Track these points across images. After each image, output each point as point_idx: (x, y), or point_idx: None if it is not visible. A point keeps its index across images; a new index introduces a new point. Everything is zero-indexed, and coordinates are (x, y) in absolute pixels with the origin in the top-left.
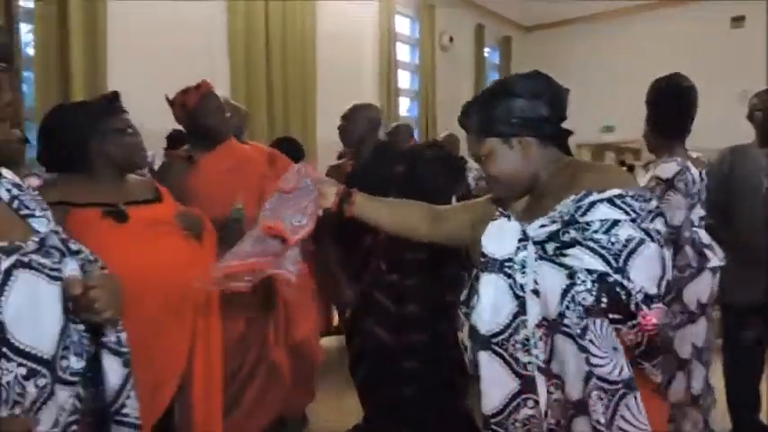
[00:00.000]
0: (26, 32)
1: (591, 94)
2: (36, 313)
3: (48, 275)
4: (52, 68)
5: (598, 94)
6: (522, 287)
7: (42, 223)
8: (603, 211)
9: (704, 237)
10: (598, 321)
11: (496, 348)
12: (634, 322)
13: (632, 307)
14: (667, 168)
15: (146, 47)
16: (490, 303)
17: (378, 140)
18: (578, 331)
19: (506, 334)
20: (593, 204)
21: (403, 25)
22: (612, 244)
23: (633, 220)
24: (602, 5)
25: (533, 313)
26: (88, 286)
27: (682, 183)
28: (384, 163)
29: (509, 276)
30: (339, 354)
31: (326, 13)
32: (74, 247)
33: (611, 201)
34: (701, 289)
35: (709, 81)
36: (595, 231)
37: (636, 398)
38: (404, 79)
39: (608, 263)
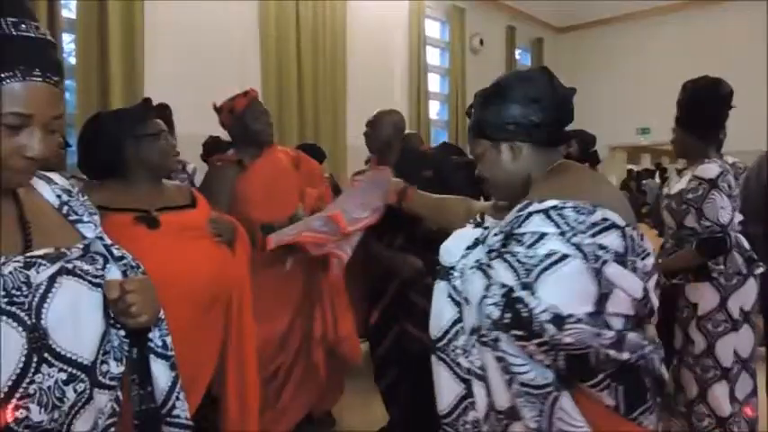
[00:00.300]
0: (68, 42)
1: (626, 96)
2: (77, 320)
3: (90, 282)
4: (92, 76)
5: (633, 96)
6: (460, 294)
7: (89, 229)
8: (536, 223)
9: (745, 243)
10: (504, 337)
11: (440, 354)
12: (539, 341)
13: (535, 325)
14: (710, 169)
15: (180, 50)
16: (436, 309)
17: (404, 146)
18: (491, 341)
19: (446, 339)
20: (530, 215)
21: (433, 28)
22: (530, 258)
23: (562, 234)
24: (636, 5)
25: (467, 320)
26: (125, 290)
27: (725, 183)
28: (412, 168)
29: (449, 283)
30: (365, 359)
31: (357, 16)
32: (117, 253)
33: (546, 212)
34: (746, 296)
35: (743, 82)
36: (521, 243)
37: (567, 398)
38: (434, 82)
39: (518, 277)
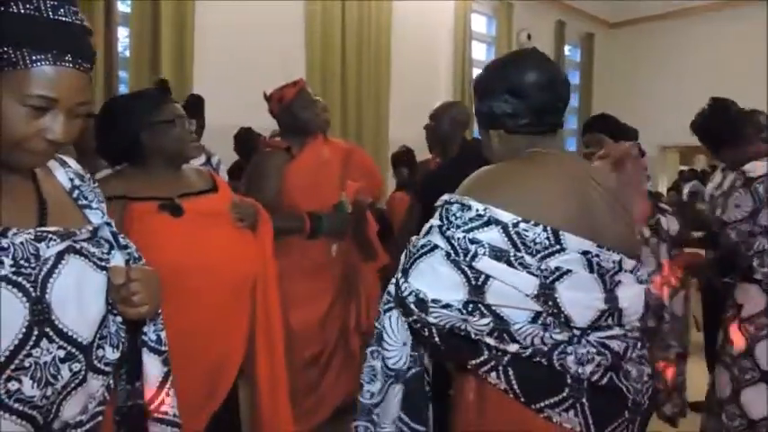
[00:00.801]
0: (124, 37)
1: (680, 94)
2: (81, 298)
3: (95, 264)
4: (144, 68)
5: (688, 94)
6: None
7: (97, 215)
8: (435, 215)
9: None
10: (394, 312)
11: None
12: (412, 318)
13: (405, 306)
14: (760, 166)
15: (228, 49)
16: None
17: (464, 140)
18: (382, 312)
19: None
20: (436, 208)
21: (479, 23)
22: (414, 246)
23: (440, 227)
24: (692, 2)
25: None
26: (130, 277)
27: (762, 186)
28: (471, 162)
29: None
30: None
31: (402, 12)
32: (122, 241)
33: (441, 206)
34: None
35: None
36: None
37: (399, 390)
38: None
39: (402, 263)
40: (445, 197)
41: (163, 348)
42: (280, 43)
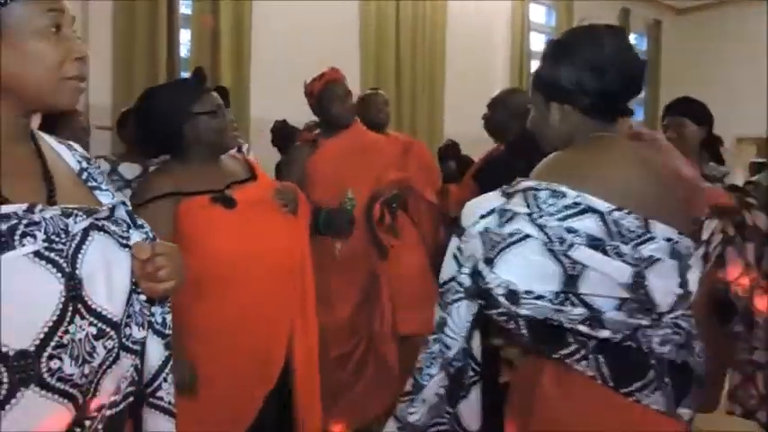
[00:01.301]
0: (186, 40)
1: (755, 83)
2: (109, 275)
3: (118, 242)
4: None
5: (764, 83)
6: (461, 255)
7: (107, 196)
8: (515, 202)
9: None
10: (463, 304)
11: (440, 298)
12: (499, 311)
13: (491, 298)
14: None
15: (283, 49)
16: (446, 260)
17: (524, 128)
18: (448, 302)
19: (444, 288)
20: (515, 193)
21: (538, 13)
22: (497, 235)
23: (530, 215)
24: None
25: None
26: (156, 252)
27: None
28: (528, 149)
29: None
30: None
31: (458, 7)
32: (138, 221)
33: (523, 192)
34: None
35: None
36: (501, 219)
37: (442, 378)
38: None
39: (484, 252)
40: (531, 183)
41: (166, 332)
42: (335, 42)
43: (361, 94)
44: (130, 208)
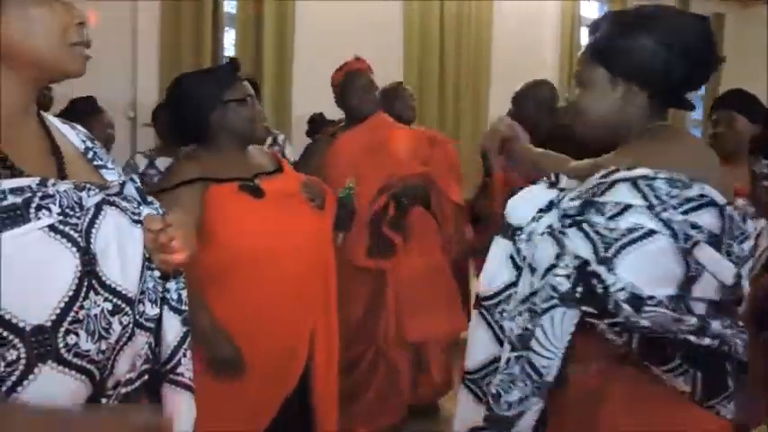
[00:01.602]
0: (230, 39)
1: None
2: (123, 250)
3: (130, 217)
4: (248, 67)
5: None
6: (523, 260)
7: (114, 174)
8: (621, 193)
9: None
10: (559, 312)
11: (484, 312)
12: (612, 321)
13: (610, 304)
14: None
15: (326, 48)
16: (493, 266)
17: (554, 122)
18: (539, 312)
19: (496, 300)
20: (615, 183)
21: (590, 9)
22: (611, 231)
23: (650, 208)
24: None
25: (522, 286)
26: (167, 223)
27: None
28: (563, 145)
29: (515, 244)
30: None
31: (505, 5)
32: (148, 198)
33: (633, 182)
34: None
35: None
36: (602, 213)
37: (539, 405)
38: None
39: (596, 250)
40: (643, 171)
41: (183, 308)
42: (377, 41)
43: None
44: (139, 185)
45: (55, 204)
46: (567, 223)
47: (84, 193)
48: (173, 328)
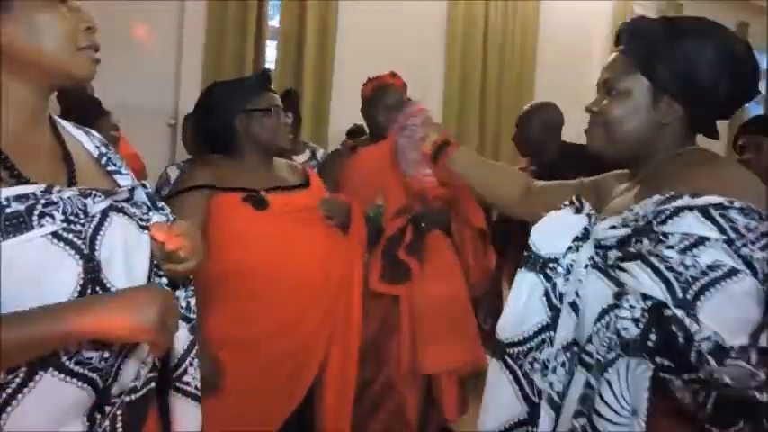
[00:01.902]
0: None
1: None
2: (128, 258)
3: (137, 224)
4: (287, 75)
5: None
6: (560, 296)
7: (127, 180)
8: (689, 223)
9: None
10: (632, 363)
11: (510, 361)
12: (691, 376)
13: (692, 356)
14: None
15: (368, 50)
16: (519, 306)
17: (561, 143)
18: (600, 365)
19: (526, 347)
20: (679, 211)
21: (646, 8)
22: (687, 268)
23: (729, 243)
24: None
25: (563, 331)
26: (174, 232)
27: None
28: (570, 168)
29: (549, 279)
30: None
31: (551, 12)
32: (159, 204)
33: (704, 210)
34: None
35: None
36: (670, 247)
37: None
38: None
39: (671, 291)
40: (717, 198)
41: (191, 316)
42: (420, 45)
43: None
44: (150, 191)
45: (58, 211)
46: (613, 256)
47: (89, 200)
48: (181, 336)
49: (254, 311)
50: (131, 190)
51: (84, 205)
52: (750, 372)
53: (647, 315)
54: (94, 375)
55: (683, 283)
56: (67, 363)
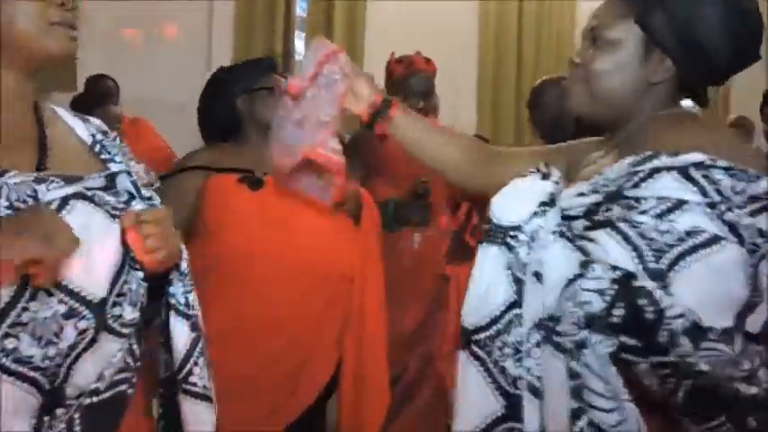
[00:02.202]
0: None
1: None
2: (89, 250)
3: (108, 212)
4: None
5: None
6: (524, 267)
7: (120, 167)
8: (666, 185)
9: None
10: (604, 340)
11: (477, 350)
12: (661, 359)
13: (662, 336)
14: None
15: (398, 48)
16: (482, 285)
17: (578, 117)
18: (571, 346)
19: (493, 330)
20: (654, 172)
21: None
22: (662, 234)
23: (712, 206)
24: None
25: (532, 306)
26: (141, 219)
27: None
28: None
29: (511, 250)
30: None
31: (589, 12)
32: (146, 193)
33: (683, 171)
34: None
35: None
36: (644, 212)
37: None
38: None
39: (642, 260)
40: (698, 156)
41: (191, 312)
42: (451, 45)
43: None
44: (135, 179)
45: (1, 197)
46: (580, 226)
47: (42, 186)
48: (182, 335)
49: (247, 301)
50: (109, 177)
51: (35, 191)
52: (731, 359)
53: (614, 286)
54: (37, 375)
55: (655, 250)
56: (5, 361)
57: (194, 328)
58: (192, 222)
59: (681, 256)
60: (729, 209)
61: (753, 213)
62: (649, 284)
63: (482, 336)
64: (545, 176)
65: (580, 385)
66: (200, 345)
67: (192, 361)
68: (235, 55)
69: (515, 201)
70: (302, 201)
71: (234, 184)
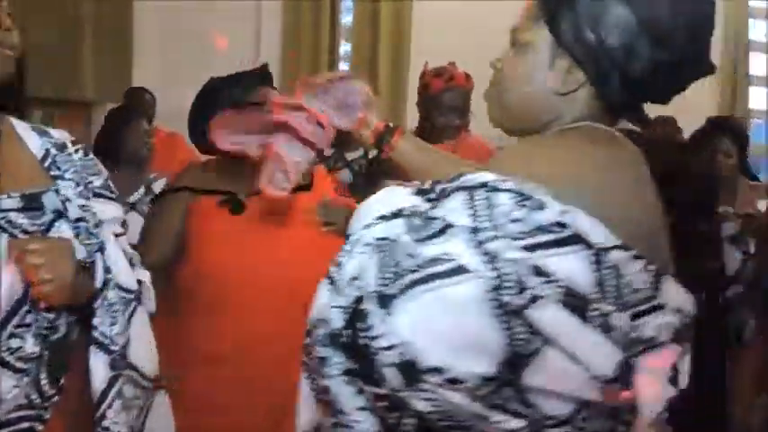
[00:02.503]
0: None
1: None
2: None
3: (15, 236)
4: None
5: None
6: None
7: (69, 187)
8: (453, 206)
9: None
10: (341, 360)
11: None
12: (375, 390)
13: (375, 366)
14: None
15: (445, 48)
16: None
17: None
18: (315, 362)
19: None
20: (452, 192)
21: (759, 31)
22: (408, 257)
23: (475, 231)
24: None
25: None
26: (27, 249)
27: None
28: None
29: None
30: None
31: None
32: (75, 213)
33: (470, 191)
34: None
35: None
36: (418, 233)
37: None
38: (759, 100)
39: (376, 281)
40: (485, 176)
41: (113, 348)
42: (500, 46)
43: None
44: (73, 198)
45: None
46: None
47: None
48: (100, 371)
49: (224, 323)
50: (28, 197)
51: None
52: (473, 412)
53: (353, 306)
54: None
55: (396, 271)
56: None
57: (114, 366)
58: (182, 244)
59: (414, 284)
60: (496, 237)
61: (531, 248)
62: (371, 308)
63: (308, 340)
64: (423, 192)
65: (335, 400)
66: (117, 385)
67: (106, 402)
68: (282, 66)
69: (366, 209)
70: (288, 222)
71: (214, 207)
